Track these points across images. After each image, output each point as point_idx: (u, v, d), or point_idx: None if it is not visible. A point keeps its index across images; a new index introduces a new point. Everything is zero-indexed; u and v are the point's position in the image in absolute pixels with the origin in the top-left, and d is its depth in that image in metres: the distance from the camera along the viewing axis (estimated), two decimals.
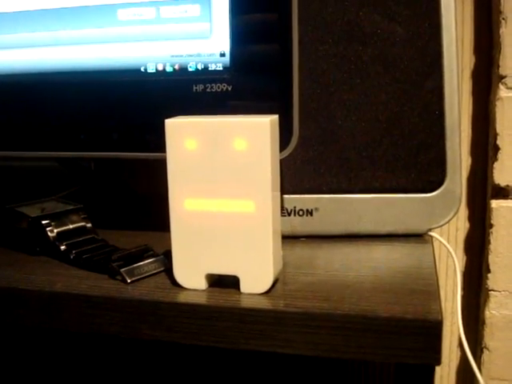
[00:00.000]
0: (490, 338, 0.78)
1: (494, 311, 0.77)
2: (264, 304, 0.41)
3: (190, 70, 0.51)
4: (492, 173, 0.75)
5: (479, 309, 0.80)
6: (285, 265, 0.46)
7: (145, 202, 0.76)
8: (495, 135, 0.74)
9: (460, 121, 0.54)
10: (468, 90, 0.78)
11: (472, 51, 0.77)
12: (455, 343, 0.84)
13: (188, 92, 0.51)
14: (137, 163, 0.77)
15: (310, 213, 0.55)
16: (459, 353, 0.84)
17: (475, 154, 0.79)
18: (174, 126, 0.42)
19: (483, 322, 0.78)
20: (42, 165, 0.81)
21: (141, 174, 0.80)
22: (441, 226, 0.55)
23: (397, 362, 0.40)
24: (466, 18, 0.77)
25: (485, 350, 0.78)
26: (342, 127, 0.54)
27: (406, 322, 0.38)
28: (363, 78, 0.54)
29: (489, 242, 0.76)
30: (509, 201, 0.75)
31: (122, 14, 0.53)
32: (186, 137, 0.42)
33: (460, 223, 0.81)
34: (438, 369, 0.83)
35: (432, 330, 0.37)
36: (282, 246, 0.45)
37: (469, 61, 0.77)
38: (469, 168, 0.79)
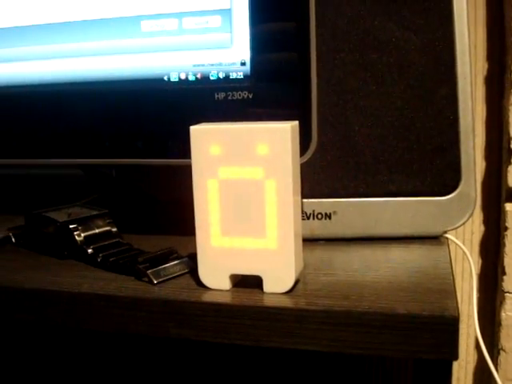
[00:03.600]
0: (507, 340, 0.78)
1: (509, 313, 0.78)
2: (286, 303, 0.43)
3: (211, 78, 0.53)
4: (506, 176, 0.76)
5: (495, 311, 0.81)
6: (305, 266, 0.47)
7: (166, 208, 0.77)
8: (509, 139, 0.75)
9: (474, 125, 0.55)
10: (481, 96, 0.79)
11: (485, 57, 0.79)
12: (472, 345, 0.85)
13: (210, 100, 0.52)
14: (158, 170, 0.79)
15: (328, 216, 0.57)
16: (476, 355, 0.85)
17: (489, 158, 0.80)
18: (199, 132, 0.44)
19: (499, 324, 0.79)
20: (65, 173, 0.83)
21: (161, 180, 0.82)
22: (456, 228, 0.56)
23: (415, 357, 0.41)
24: (479, 25, 0.78)
25: (501, 351, 0.79)
26: (359, 133, 0.55)
27: (423, 319, 0.39)
28: (379, 85, 0.55)
29: (504, 245, 0.77)
30: None
31: (145, 25, 0.54)
32: (211, 143, 0.43)
33: (475, 226, 0.82)
34: (454, 371, 0.83)
35: (449, 326, 0.39)
36: (302, 249, 0.46)
37: (482, 67, 0.79)
38: (483, 172, 0.80)
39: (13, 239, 0.60)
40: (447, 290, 0.43)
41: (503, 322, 0.78)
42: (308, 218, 0.57)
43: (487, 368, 0.55)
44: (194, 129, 0.44)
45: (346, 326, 0.41)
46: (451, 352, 0.39)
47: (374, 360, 0.85)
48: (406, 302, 0.41)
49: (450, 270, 0.48)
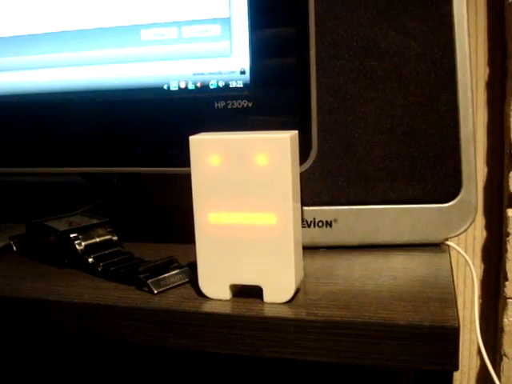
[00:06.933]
0: (509, 346, 0.78)
1: None
2: (286, 313, 0.42)
3: (211, 87, 0.53)
4: (508, 182, 0.76)
5: (497, 317, 0.81)
6: (305, 275, 0.47)
7: (167, 215, 0.77)
8: (510, 145, 0.75)
9: (475, 132, 0.55)
10: (483, 101, 0.79)
11: (486, 62, 0.78)
12: (474, 351, 0.84)
13: (210, 109, 0.52)
14: (159, 177, 0.79)
15: (329, 224, 0.57)
16: (478, 361, 0.85)
17: (491, 164, 0.80)
18: (199, 142, 0.44)
19: (502, 330, 0.78)
20: (66, 179, 0.83)
21: (162, 187, 0.82)
22: (457, 235, 0.56)
23: (415, 368, 0.41)
24: (480, 30, 0.78)
25: (504, 357, 0.79)
26: (359, 140, 0.55)
27: (423, 329, 0.39)
28: (379, 92, 0.55)
29: (506, 251, 0.77)
30: None
31: (145, 34, 0.54)
32: (210, 153, 0.43)
33: (477, 232, 0.81)
34: (457, 377, 0.83)
35: (449, 337, 0.39)
36: (303, 257, 0.46)
37: (483, 72, 0.78)
38: (485, 177, 0.80)
39: (14, 248, 0.60)
40: (448, 300, 0.43)
41: (505, 328, 0.78)
42: (309, 226, 0.57)
43: (490, 374, 0.55)
44: (193, 139, 0.44)
45: (346, 336, 0.41)
46: (452, 363, 0.39)
47: (374, 370, 0.85)
48: (406, 312, 0.41)
49: (451, 279, 0.48)
